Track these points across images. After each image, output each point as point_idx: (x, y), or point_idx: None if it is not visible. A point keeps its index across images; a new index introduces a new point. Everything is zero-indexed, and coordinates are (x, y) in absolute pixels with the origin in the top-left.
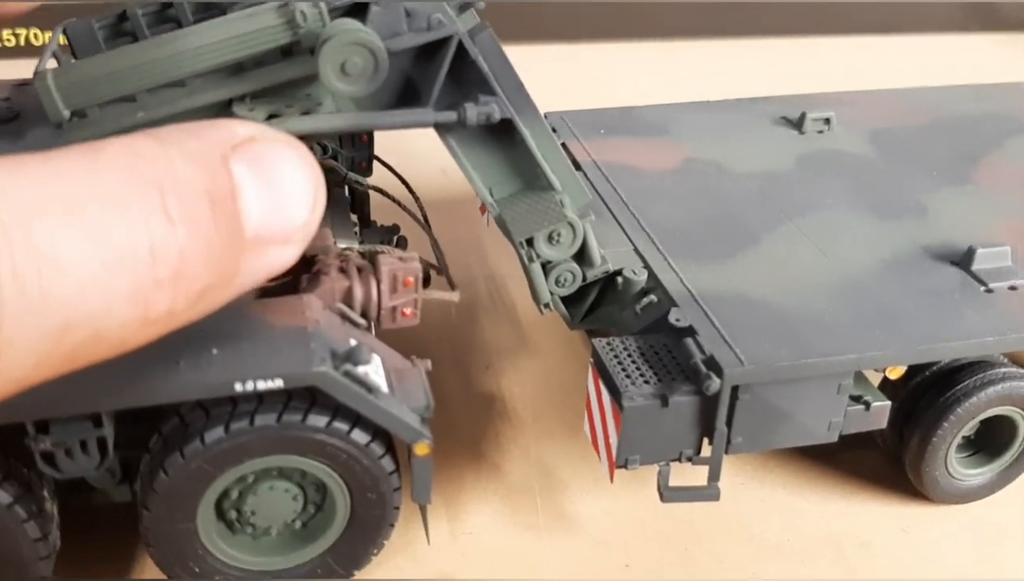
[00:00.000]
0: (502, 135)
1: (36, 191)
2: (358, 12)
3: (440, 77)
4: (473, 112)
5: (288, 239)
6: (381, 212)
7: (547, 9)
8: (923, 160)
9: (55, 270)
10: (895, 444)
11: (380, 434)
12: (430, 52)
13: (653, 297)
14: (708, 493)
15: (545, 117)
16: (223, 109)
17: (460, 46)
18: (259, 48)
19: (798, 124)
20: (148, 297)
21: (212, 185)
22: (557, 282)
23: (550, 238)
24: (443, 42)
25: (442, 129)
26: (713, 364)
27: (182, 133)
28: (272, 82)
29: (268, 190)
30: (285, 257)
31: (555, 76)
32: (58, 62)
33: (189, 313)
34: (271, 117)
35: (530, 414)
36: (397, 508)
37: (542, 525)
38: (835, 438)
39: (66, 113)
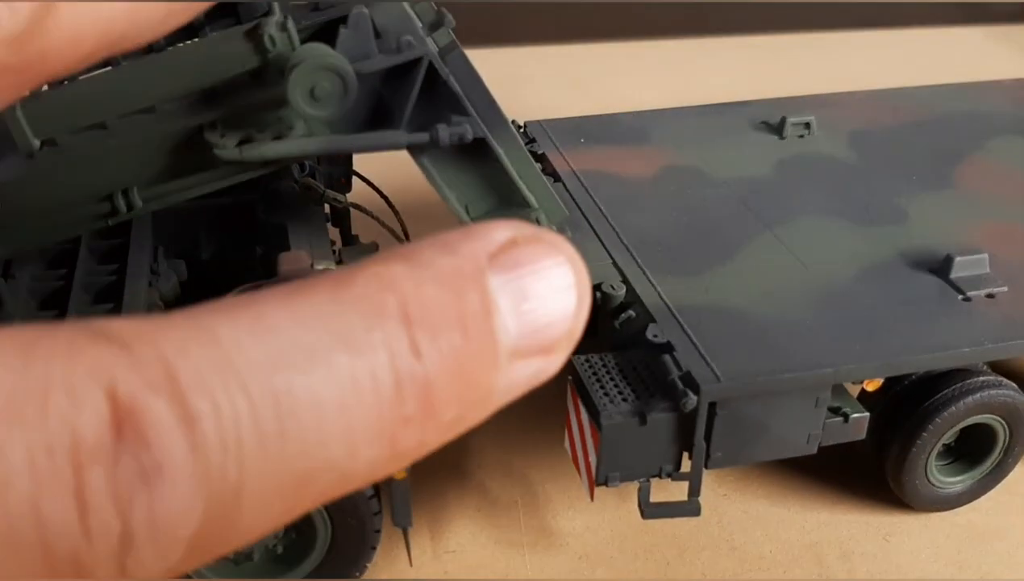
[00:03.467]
0: (476, 154)
1: (276, 339)
2: (327, 34)
3: (411, 99)
4: (446, 133)
5: (550, 349)
6: (363, 227)
7: (524, 10)
8: (904, 163)
9: (295, 422)
10: (876, 453)
11: None
12: (401, 73)
13: (631, 312)
14: (689, 508)
15: (524, 126)
16: (195, 135)
17: (431, 67)
18: (228, 73)
19: (778, 129)
20: (395, 434)
21: (465, 307)
22: None
23: None
24: (414, 63)
25: (415, 150)
26: (690, 381)
27: (436, 250)
28: (242, 107)
29: (527, 300)
30: (547, 369)
31: (532, 79)
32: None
33: (440, 440)
34: (243, 142)
35: (513, 428)
36: (378, 532)
37: (525, 542)
38: (814, 450)
39: (36, 142)
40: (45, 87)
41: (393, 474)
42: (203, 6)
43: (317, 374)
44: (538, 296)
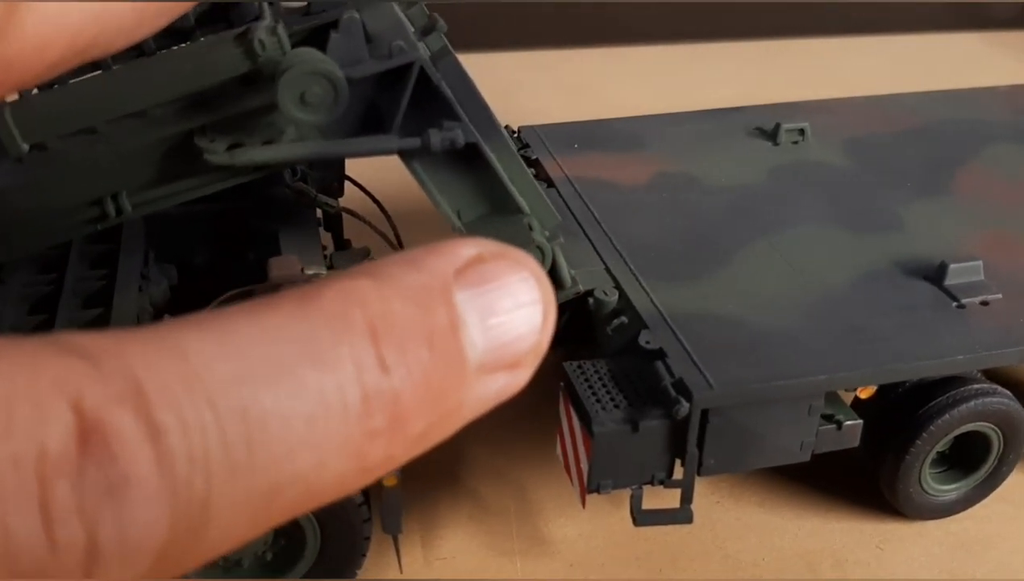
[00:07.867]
0: (468, 159)
1: (243, 354)
2: (318, 39)
3: (403, 104)
4: (437, 138)
5: (516, 363)
6: (355, 232)
7: (517, 14)
8: (899, 170)
9: (262, 435)
10: (870, 461)
11: None
12: (392, 78)
13: (624, 318)
14: (681, 515)
15: (518, 131)
16: (185, 140)
17: (422, 72)
18: (218, 78)
19: (772, 135)
20: (363, 449)
21: (431, 322)
22: None
23: None
24: (405, 68)
25: (406, 155)
26: (682, 388)
27: (403, 266)
28: (232, 112)
29: (494, 315)
30: (514, 382)
31: (526, 84)
32: (19, 93)
33: (409, 454)
34: (233, 146)
35: (505, 435)
36: (367, 539)
37: (517, 549)
38: (807, 458)
39: (25, 147)
40: (35, 91)
41: (384, 481)
42: (178, 8)
43: (284, 388)
44: (504, 311)
